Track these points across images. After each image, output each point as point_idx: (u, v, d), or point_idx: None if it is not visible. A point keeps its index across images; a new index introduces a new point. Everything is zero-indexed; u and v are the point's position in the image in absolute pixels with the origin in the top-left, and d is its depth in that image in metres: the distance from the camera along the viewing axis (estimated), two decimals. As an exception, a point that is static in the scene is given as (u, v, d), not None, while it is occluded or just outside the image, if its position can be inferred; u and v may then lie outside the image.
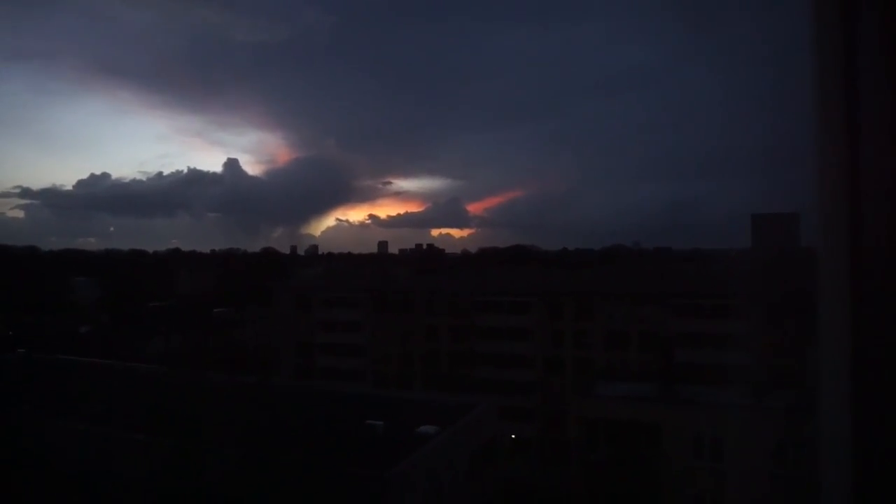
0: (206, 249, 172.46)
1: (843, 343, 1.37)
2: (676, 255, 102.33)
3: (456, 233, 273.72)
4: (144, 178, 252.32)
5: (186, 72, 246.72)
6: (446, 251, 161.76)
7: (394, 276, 74.47)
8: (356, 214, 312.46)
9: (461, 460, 27.81)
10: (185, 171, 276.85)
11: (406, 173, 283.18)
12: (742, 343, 44.58)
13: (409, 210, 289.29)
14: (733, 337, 45.10)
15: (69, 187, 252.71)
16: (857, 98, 1.34)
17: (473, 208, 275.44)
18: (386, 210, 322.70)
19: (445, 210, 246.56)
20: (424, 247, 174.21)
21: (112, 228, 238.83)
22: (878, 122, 1.30)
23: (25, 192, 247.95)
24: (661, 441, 30.81)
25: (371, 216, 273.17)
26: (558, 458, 43.67)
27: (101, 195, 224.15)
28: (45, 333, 62.32)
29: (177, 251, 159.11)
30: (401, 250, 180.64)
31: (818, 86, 1.40)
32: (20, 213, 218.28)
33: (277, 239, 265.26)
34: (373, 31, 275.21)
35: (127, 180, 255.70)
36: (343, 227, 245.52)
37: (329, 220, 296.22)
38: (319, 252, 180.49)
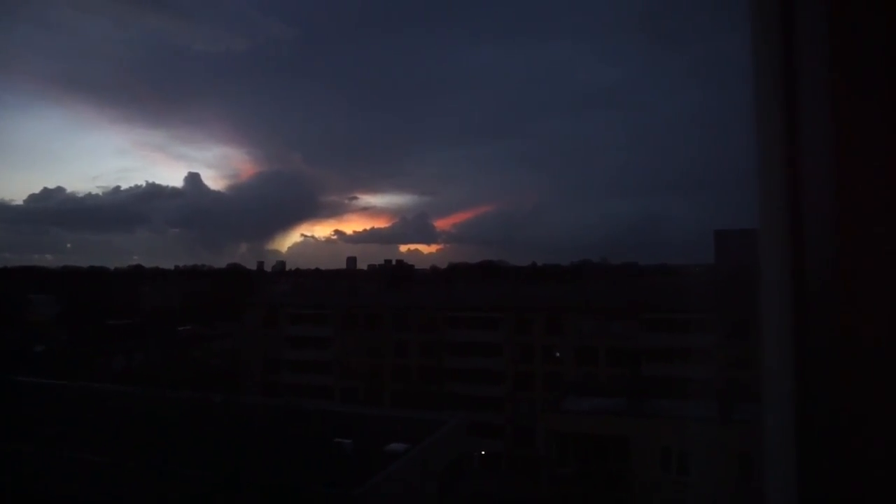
0: (169, 265, 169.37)
1: (787, 361, 1.36)
2: (643, 270, 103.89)
3: (425, 249, 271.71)
4: (101, 193, 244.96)
5: (147, 85, 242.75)
6: (415, 267, 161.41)
7: (363, 292, 73.99)
8: (322, 230, 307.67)
9: (431, 477, 27.52)
10: (144, 185, 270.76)
11: (373, 189, 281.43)
12: (708, 357, 45.28)
13: (377, 226, 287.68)
14: (700, 351, 45.80)
15: (19, 202, 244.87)
16: (796, 114, 1.34)
17: (442, 224, 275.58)
18: (352, 226, 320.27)
19: (413, 226, 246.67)
20: (393, 262, 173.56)
21: (69, 244, 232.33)
22: (818, 140, 1.28)
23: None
24: (629, 455, 30.99)
25: (337, 232, 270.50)
26: (528, 473, 43.56)
27: (54, 209, 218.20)
28: (-3, 352, 59.98)
29: (138, 267, 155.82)
30: (370, 266, 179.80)
31: (757, 103, 1.40)
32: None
33: (243, 255, 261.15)
34: (338, 45, 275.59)
35: (81, 194, 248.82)
36: (309, 242, 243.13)
37: (294, 236, 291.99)
38: (287, 268, 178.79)
